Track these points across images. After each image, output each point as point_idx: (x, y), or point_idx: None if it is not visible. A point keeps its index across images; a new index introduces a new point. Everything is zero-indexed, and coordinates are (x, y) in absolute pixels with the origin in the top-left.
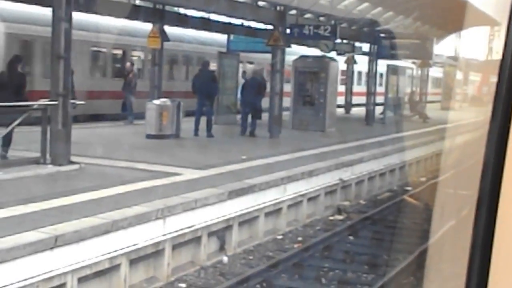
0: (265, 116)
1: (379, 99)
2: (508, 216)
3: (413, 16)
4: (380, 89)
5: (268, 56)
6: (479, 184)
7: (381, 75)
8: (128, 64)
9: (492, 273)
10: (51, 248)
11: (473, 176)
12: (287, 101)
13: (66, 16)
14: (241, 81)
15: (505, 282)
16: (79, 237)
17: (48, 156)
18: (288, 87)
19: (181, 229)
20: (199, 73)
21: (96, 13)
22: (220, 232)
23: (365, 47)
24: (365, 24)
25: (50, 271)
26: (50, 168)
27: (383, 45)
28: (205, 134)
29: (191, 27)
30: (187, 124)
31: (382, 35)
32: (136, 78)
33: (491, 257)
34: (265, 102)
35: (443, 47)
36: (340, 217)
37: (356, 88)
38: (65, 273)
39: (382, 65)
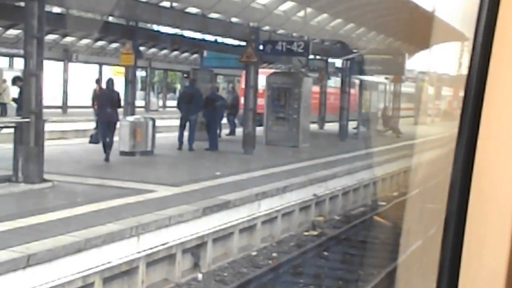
0: (239, 132)
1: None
2: (476, 233)
3: (385, 32)
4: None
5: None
6: (446, 200)
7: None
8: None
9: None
10: (24, 268)
11: (442, 191)
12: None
13: (39, 33)
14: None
15: None
16: (52, 255)
17: (20, 174)
18: None
19: (155, 247)
20: (185, 90)
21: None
22: (195, 249)
23: (338, 63)
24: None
25: None
26: (23, 186)
27: (356, 60)
28: (176, 150)
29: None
30: (162, 140)
31: (354, 51)
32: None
33: (459, 274)
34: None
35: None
36: (315, 233)
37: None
38: None
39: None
